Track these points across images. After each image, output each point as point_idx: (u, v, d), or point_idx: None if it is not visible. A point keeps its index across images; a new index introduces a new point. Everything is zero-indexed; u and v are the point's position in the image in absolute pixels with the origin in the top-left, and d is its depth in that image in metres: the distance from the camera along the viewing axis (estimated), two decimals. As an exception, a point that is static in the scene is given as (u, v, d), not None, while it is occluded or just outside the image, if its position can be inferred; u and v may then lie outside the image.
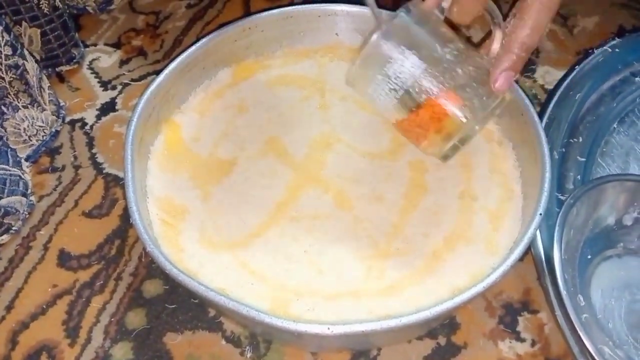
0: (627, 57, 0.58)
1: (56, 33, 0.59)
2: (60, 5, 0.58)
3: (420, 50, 0.41)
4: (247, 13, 0.69)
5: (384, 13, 0.48)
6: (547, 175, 0.42)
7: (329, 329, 0.36)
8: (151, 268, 0.48)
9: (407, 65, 0.41)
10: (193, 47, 0.51)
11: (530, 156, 0.46)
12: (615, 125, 0.54)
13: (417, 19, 0.42)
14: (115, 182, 0.54)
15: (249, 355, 0.44)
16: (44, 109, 0.56)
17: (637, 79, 0.57)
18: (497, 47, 0.42)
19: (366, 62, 0.42)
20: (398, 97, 0.42)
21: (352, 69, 0.43)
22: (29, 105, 0.54)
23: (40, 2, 0.56)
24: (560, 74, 0.59)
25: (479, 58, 0.42)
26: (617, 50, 0.58)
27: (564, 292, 0.39)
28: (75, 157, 0.56)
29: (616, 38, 0.59)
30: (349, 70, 0.44)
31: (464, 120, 0.41)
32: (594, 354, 0.37)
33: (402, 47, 0.41)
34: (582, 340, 0.38)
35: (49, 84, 0.57)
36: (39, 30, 0.57)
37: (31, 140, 0.55)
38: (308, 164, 0.49)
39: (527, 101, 0.46)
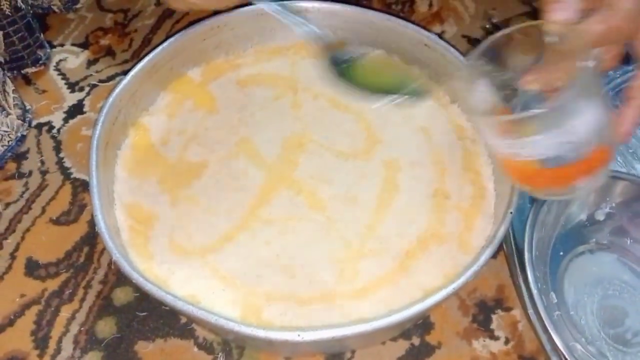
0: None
1: (20, 34, 0.57)
2: (23, 6, 0.56)
3: (603, 99, 0.35)
4: (217, 11, 0.67)
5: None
6: (518, 173, 0.42)
7: (299, 335, 0.35)
8: (121, 275, 0.48)
9: (593, 118, 0.34)
10: (160, 47, 0.50)
11: (502, 153, 0.45)
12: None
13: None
14: (83, 188, 0.53)
15: (222, 362, 0.44)
16: (8, 113, 0.54)
17: (610, 72, 0.57)
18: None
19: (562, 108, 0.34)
20: (563, 149, 0.35)
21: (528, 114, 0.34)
22: (-8, 110, 0.53)
23: (1, 3, 0.54)
24: (534, 68, 0.59)
25: None
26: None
27: (534, 290, 0.39)
28: (43, 162, 0.55)
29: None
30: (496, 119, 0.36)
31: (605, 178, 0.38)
32: (564, 352, 0.37)
33: (594, 94, 0.35)
34: (553, 338, 0.38)
35: (13, 87, 0.56)
36: (1, 32, 0.56)
37: (-4, 146, 0.54)
38: (280, 165, 0.48)
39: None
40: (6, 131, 0.54)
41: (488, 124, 0.37)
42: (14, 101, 0.55)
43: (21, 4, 0.56)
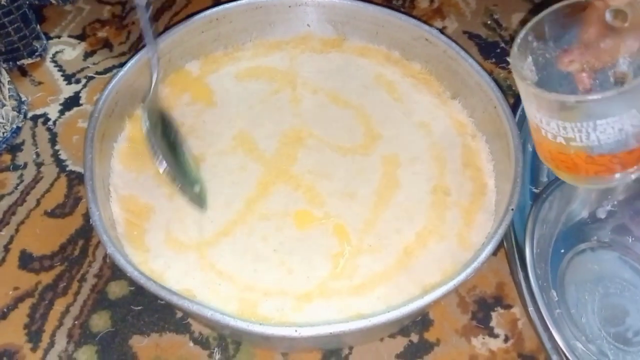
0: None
1: (15, 25, 0.56)
2: (19, -4, 0.56)
3: None
4: (217, 3, 0.67)
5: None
6: (519, 170, 0.41)
7: (296, 331, 0.35)
8: (116, 269, 0.47)
9: None
10: (158, 39, 0.50)
11: (504, 149, 0.45)
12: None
13: None
14: (78, 180, 0.52)
15: (217, 357, 0.43)
16: (3, 105, 0.54)
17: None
18: None
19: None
20: (621, 137, 0.35)
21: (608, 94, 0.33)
22: (-13, 101, 0.52)
23: (-3, -6, 0.53)
24: (535, 64, 0.59)
25: None
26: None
27: (535, 288, 0.39)
28: (38, 154, 0.54)
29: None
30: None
31: None
32: (565, 351, 0.37)
33: None
34: (554, 337, 0.38)
35: (9, 79, 0.55)
36: (-4, 23, 0.55)
37: (-9, 137, 0.53)
38: (278, 160, 0.48)
39: (500, 93, 0.46)
40: (1, 122, 0.53)
41: (548, 105, 0.35)
42: (9, 92, 0.54)
43: (17, -6, 0.55)
